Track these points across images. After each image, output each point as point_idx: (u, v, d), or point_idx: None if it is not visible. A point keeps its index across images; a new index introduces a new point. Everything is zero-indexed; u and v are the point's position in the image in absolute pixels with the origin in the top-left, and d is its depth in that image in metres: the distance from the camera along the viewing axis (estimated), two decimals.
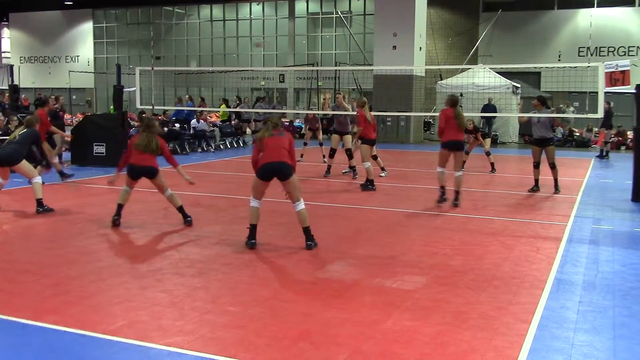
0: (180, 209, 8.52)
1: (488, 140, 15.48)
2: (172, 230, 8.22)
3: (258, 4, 36.45)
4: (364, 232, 8.46)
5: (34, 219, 8.81)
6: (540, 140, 11.79)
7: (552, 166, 11.81)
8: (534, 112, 11.95)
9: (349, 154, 13.69)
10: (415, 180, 13.73)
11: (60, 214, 9.20)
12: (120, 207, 8.39)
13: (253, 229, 7.28)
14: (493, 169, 14.89)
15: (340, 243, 7.78)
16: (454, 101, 10.32)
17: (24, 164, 9.36)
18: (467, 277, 6.21)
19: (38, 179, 9.42)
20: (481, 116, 22.53)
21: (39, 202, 9.26)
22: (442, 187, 10.39)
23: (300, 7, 35.78)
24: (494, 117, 23.43)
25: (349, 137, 13.70)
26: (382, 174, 13.56)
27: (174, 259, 6.73)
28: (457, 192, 10.25)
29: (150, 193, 11.21)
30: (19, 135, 9.48)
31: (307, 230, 7.31)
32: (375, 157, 13.37)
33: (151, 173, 8.40)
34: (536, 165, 11.87)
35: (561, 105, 27.47)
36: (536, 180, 11.90)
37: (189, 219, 8.52)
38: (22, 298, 5.39)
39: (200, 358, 4.22)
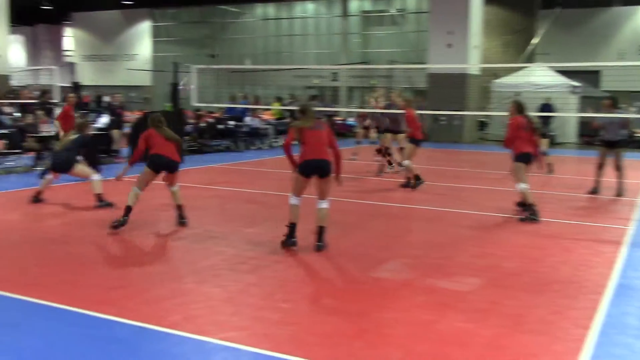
0: (180, 208, 8.31)
1: (545, 141, 15.08)
2: (227, 226, 8.33)
3: (312, 3, 36.55)
4: (416, 232, 8.39)
5: (92, 213, 9.05)
6: (611, 142, 11.43)
7: (619, 168, 11.42)
8: (605, 113, 11.53)
9: (388, 152, 13.72)
10: (467, 181, 13.53)
11: (120, 210, 9.43)
12: (129, 210, 7.88)
13: (292, 227, 7.03)
14: (550, 170, 14.51)
15: (393, 242, 7.74)
16: (521, 107, 9.34)
17: (80, 167, 9.62)
18: (523, 280, 6.09)
19: (96, 176, 9.67)
20: (538, 116, 22.02)
21: (99, 197, 9.54)
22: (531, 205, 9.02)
23: (353, 5, 35.69)
24: (552, 117, 22.88)
25: (402, 136, 13.59)
26: (389, 169, 13.86)
27: (228, 255, 6.82)
28: (530, 205, 9.08)
29: (210, 189, 11.42)
30: (70, 142, 9.75)
31: (321, 230, 7.03)
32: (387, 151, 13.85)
33: (175, 167, 8.25)
34: (600, 167, 11.52)
35: (622, 106, 26.61)
36: (597, 182, 11.56)
37: (184, 220, 8.25)
38: (83, 290, 5.56)
39: (254, 354, 4.27)
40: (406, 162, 11.75)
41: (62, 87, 24.17)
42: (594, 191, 11.53)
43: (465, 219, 9.28)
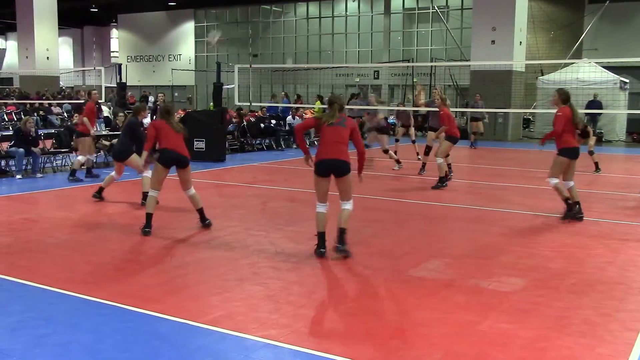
0: (201, 211, 8.06)
1: (593, 139, 14.64)
2: (268, 224, 8.38)
3: (354, 1, 36.49)
4: (458, 232, 8.30)
5: (137, 211, 9.22)
6: None
7: None
8: None
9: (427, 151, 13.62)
10: (511, 179, 13.31)
11: (162, 208, 9.59)
12: (150, 217, 7.74)
13: (321, 236, 6.73)
14: (597, 169, 14.17)
15: (434, 242, 7.67)
16: (567, 96, 8.88)
17: (134, 158, 9.57)
18: (568, 281, 5.96)
19: (147, 173, 9.41)
20: (586, 113, 21.53)
21: (145, 195, 9.54)
22: (567, 199, 8.83)
23: (396, 3, 35.49)
24: (600, 114, 22.33)
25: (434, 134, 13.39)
26: (396, 167, 13.93)
27: (270, 253, 6.86)
28: (577, 203, 8.84)
29: (252, 188, 11.51)
30: (125, 126, 9.83)
31: (342, 232, 6.69)
32: (385, 152, 13.97)
33: (185, 162, 7.90)
34: None
35: None
36: None
37: (207, 221, 8.07)
38: (127, 286, 5.68)
39: (295, 351, 4.29)
40: (440, 160, 11.66)
41: (108, 87, 24.69)
42: None
43: (509, 218, 9.14)
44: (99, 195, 9.93)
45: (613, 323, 4.87)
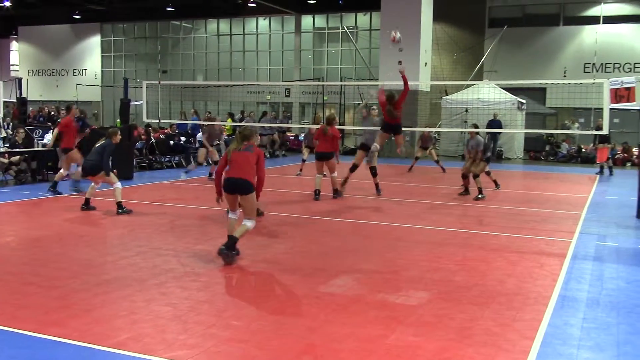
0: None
1: (482, 164, 14.41)
2: (177, 243, 8.24)
3: (265, 19, 36.69)
4: (367, 247, 8.46)
5: (39, 232, 8.85)
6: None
7: None
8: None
9: (373, 172, 13.18)
10: (417, 196, 13.74)
11: (66, 227, 9.25)
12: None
13: (229, 237, 7.24)
14: (497, 185, 14.73)
15: (344, 258, 7.79)
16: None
17: (103, 175, 10.34)
18: (471, 293, 6.21)
19: (118, 185, 10.41)
20: (487, 132, 22.55)
21: (119, 205, 10.24)
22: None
23: (306, 22, 36.00)
24: (499, 133, 23.45)
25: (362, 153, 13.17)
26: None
27: (179, 273, 6.75)
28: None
29: (156, 206, 11.27)
30: (100, 147, 10.40)
31: (232, 239, 7.17)
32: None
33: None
34: None
35: (566, 122, 27.50)
36: None
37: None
38: (26, 310, 5.41)
39: None
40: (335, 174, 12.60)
41: (6, 102, 23.56)
42: None
43: (414, 233, 9.42)
44: (86, 206, 10.50)
45: (511, 332, 5.12)
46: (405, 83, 11.90)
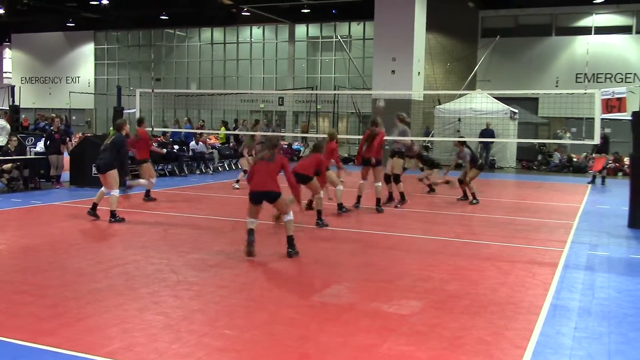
0: (290, 239, 8.06)
1: (474, 171, 14.05)
2: (171, 252, 8.23)
3: (258, 28, 36.79)
4: (360, 256, 8.47)
5: (31, 240, 8.82)
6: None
7: None
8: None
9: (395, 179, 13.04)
10: (410, 205, 13.76)
11: (58, 235, 9.22)
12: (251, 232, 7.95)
13: (289, 239, 8.03)
14: (472, 198, 14.30)
15: (337, 267, 7.79)
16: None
17: (113, 174, 10.09)
18: (463, 302, 6.22)
19: (116, 192, 10.14)
20: (479, 141, 22.66)
21: (112, 213, 10.08)
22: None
23: (300, 31, 36.12)
24: (492, 142, 23.56)
25: (399, 161, 13.07)
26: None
27: (172, 282, 6.74)
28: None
29: (153, 215, 11.25)
30: (110, 143, 10.23)
31: (290, 239, 8.04)
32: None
33: (275, 197, 7.92)
34: None
35: (558, 131, 27.65)
36: None
37: (291, 251, 8.02)
38: (18, 319, 5.40)
39: None
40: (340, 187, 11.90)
41: None
42: None
43: (407, 242, 9.44)
44: (93, 211, 10.30)
45: (503, 341, 5.14)
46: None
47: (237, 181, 15.52)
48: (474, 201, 13.71)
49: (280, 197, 7.87)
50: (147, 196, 12.91)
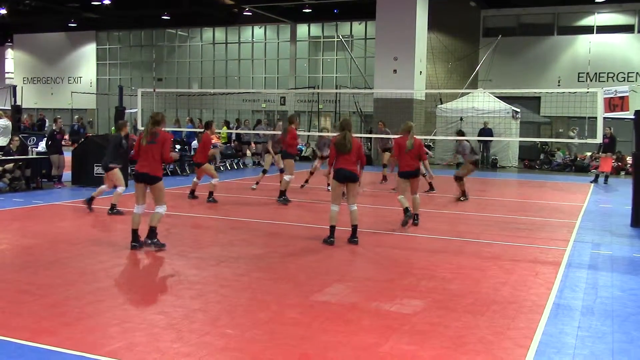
0: (354, 229, 9.01)
1: (471, 166, 14.08)
2: (171, 251, 8.21)
3: (260, 27, 36.76)
4: (360, 255, 8.45)
5: (33, 240, 8.81)
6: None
7: None
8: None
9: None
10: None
11: (60, 235, 9.21)
12: (333, 228, 8.97)
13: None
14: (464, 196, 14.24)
15: (339, 266, 7.77)
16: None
17: (115, 172, 10.58)
18: (465, 301, 6.20)
19: (120, 189, 10.74)
20: (478, 140, 22.63)
21: (112, 206, 10.70)
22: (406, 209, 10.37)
23: (302, 31, 36.08)
24: (491, 140, 23.53)
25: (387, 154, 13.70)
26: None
27: (173, 281, 6.72)
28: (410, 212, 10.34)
29: (149, 215, 11.22)
30: (109, 142, 10.87)
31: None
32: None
33: (354, 178, 8.98)
34: None
35: (561, 130, 27.59)
36: None
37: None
38: (20, 318, 5.38)
39: None
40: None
41: (1, 109, 23.54)
42: None
43: (408, 241, 9.41)
44: (89, 202, 10.94)
45: (506, 341, 5.11)
46: None
47: (257, 183, 15.36)
48: (462, 198, 13.84)
49: (358, 180, 9.00)
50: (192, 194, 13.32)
